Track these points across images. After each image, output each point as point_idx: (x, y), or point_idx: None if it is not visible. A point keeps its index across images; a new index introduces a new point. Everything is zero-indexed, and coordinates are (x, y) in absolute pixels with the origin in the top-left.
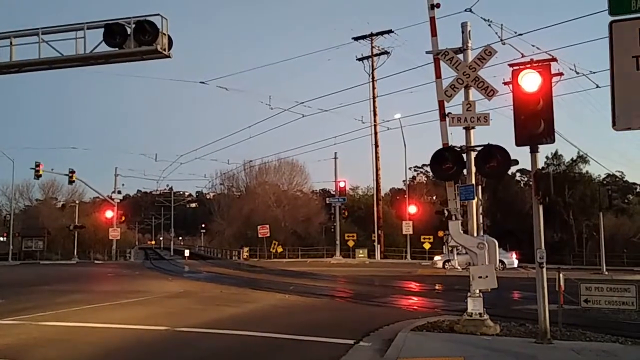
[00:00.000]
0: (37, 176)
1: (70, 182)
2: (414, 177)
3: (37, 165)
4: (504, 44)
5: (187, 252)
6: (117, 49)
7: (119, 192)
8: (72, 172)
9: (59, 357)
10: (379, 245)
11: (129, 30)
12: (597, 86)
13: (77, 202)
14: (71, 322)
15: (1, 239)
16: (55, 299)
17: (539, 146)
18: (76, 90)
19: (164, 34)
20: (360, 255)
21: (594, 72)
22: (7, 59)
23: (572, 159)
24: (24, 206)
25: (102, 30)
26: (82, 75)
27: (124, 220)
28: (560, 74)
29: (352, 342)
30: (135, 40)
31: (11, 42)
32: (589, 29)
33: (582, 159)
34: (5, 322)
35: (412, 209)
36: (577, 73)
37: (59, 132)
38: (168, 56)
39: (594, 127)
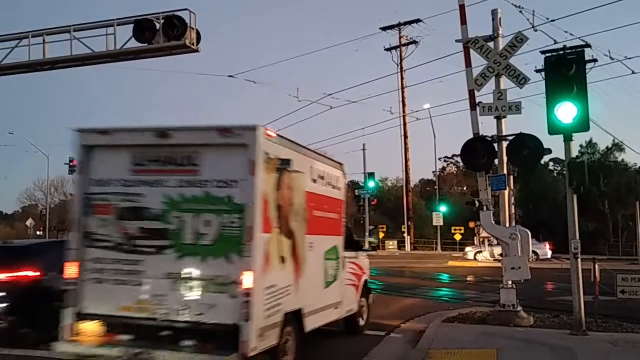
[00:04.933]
0: (71, 171)
1: None
2: (443, 168)
3: (71, 160)
4: (535, 30)
5: None
6: (146, 44)
7: None
8: None
9: None
10: (408, 237)
11: (157, 26)
12: (633, 72)
13: None
14: None
15: (38, 232)
16: None
17: (573, 134)
18: (106, 85)
19: (192, 29)
20: (389, 247)
21: (629, 58)
22: (41, 56)
23: (607, 147)
24: (59, 200)
25: (131, 26)
26: (112, 71)
27: None
28: (594, 60)
29: (383, 333)
30: (164, 35)
31: (44, 40)
32: (623, 14)
33: (618, 146)
34: None
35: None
36: (612, 59)
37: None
38: (196, 50)
39: (629, 114)
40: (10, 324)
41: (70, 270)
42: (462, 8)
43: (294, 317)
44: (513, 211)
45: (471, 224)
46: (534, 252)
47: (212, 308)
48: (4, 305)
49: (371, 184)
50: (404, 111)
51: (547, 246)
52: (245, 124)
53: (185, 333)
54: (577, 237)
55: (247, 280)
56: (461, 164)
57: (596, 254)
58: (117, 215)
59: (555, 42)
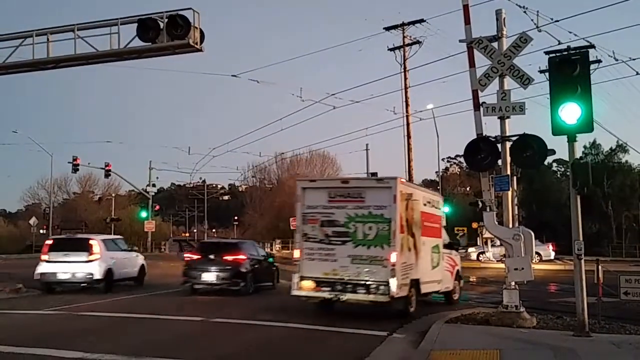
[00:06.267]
0: (75, 170)
1: (107, 175)
2: (447, 168)
3: (75, 159)
4: (539, 31)
5: None
6: (150, 43)
7: (154, 185)
8: (108, 165)
9: (96, 346)
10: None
11: (161, 25)
12: (637, 73)
13: (113, 195)
14: (109, 313)
15: (41, 231)
16: (94, 289)
17: (577, 135)
18: (109, 85)
19: (196, 28)
20: None
21: (633, 59)
22: (45, 55)
23: (611, 148)
24: (62, 199)
25: (135, 25)
26: (114, 70)
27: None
28: (599, 61)
29: (385, 333)
30: (168, 34)
31: (48, 39)
32: (628, 15)
33: (622, 148)
34: (46, 312)
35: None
36: (616, 60)
37: (94, 127)
38: (200, 50)
39: (633, 115)
40: (230, 284)
41: (297, 254)
42: (466, 8)
43: (415, 283)
44: (516, 212)
45: (474, 225)
46: (537, 253)
47: (373, 273)
48: (230, 273)
49: None
50: (407, 111)
51: (551, 247)
52: (390, 176)
53: (359, 286)
54: (581, 238)
55: (393, 258)
56: (464, 164)
57: (599, 255)
58: (320, 224)
59: (560, 43)
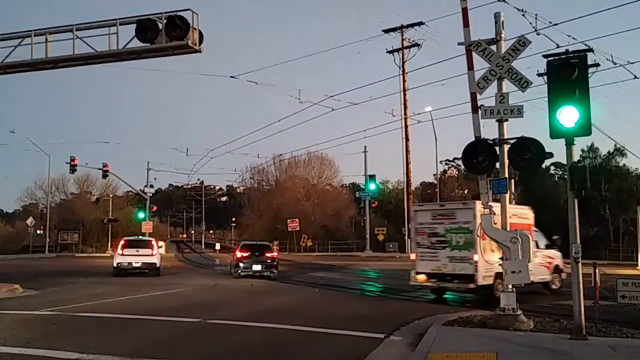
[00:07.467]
0: (72, 170)
1: (104, 175)
2: (445, 171)
3: (72, 159)
4: (538, 34)
5: (217, 246)
6: (148, 44)
7: (151, 186)
8: (106, 165)
9: (93, 346)
10: (409, 239)
11: (160, 26)
12: (635, 77)
13: (110, 196)
14: (106, 313)
15: (38, 231)
16: (91, 290)
17: (575, 138)
18: (108, 86)
19: (195, 29)
20: (390, 249)
21: (631, 63)
22: (43, 55)
23: (608, 152)
24: (59, 200)
25: (134, 26)
26: (113, 71)
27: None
28: (597, 65)
29: (382, 336)
30: (167, 35)
31: (46, 39)
32: (627, 19)
33: (619, 151)
34: (42, 312)
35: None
36: (615, 64)
37: (93, 128)
38: (199, 51)
39: (631, 119)
40: (268, 272)
41: (412, 256)
42: (464, 11)
43: (501, 275)
44: None
45: None
46: None
47: (464, 268)
48: (269, 265)
49: (372, 186)
50: (405, 114)
51: None
52: (471, 201)
53: (455, 277)
54: (578, 241)
55: (475, 258)
56: (462, 167)
57: (597, 259)
58: (427, 235)
59: (558, 46)
